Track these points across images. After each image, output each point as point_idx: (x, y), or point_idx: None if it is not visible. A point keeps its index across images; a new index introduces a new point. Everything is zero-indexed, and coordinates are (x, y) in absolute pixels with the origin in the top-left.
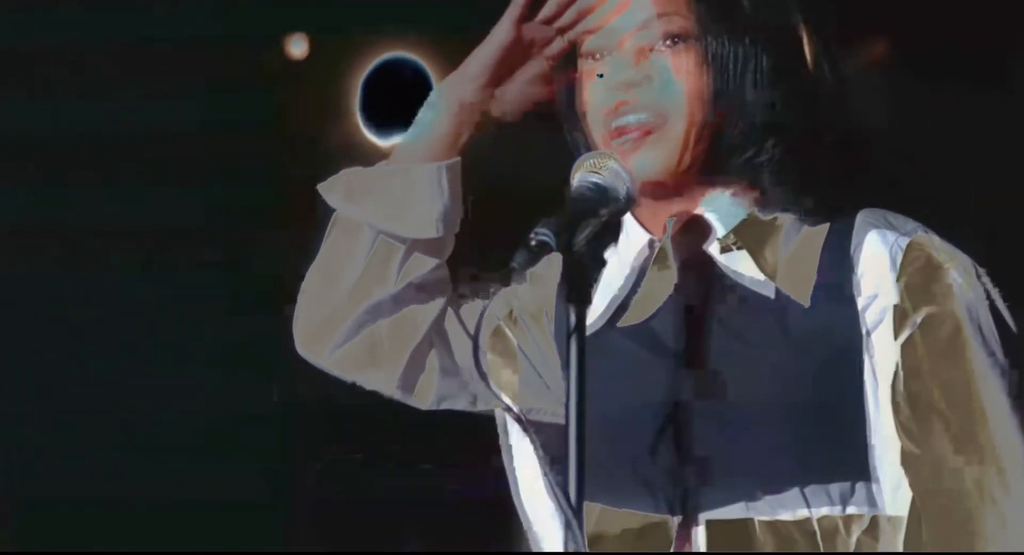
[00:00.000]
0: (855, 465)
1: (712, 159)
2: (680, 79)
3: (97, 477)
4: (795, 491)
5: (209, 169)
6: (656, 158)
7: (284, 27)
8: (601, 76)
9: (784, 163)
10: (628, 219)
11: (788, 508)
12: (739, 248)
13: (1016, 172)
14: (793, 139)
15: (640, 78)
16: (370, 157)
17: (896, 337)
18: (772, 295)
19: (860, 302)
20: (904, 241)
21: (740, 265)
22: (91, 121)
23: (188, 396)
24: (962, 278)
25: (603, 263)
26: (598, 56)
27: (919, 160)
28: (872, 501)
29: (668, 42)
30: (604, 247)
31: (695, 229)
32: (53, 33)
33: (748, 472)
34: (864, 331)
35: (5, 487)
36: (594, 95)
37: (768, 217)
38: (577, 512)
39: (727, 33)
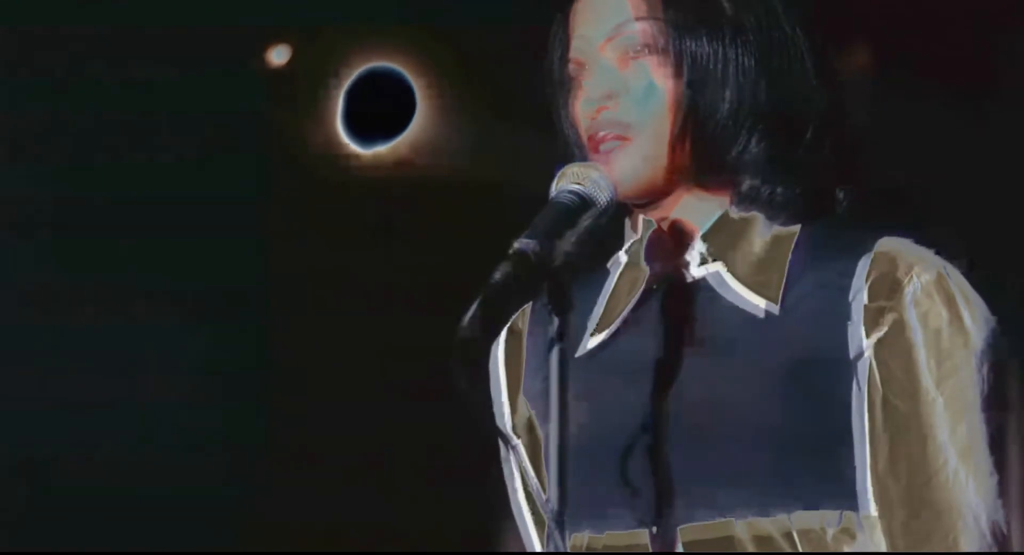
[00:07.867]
0: (843, 491)
1: (696, 164)
2: (660, 85)
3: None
4: (780, 515)
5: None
6: (637, 166)
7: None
8: (584, 84)
9: (767, 165)
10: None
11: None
12: (714, 259)
13: (1007, 174)
14: (775, 140)
15: (620, 87)
16: (351, 161)
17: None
18: (751, 308)
19: (862, 327)
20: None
21: (722, 277)
22: (75, 115)
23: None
24: (921, 285)
25: (606, 272)
26: (583, 62)
27: (904, 162)
28: (860, 526)
29: (645, 48)
30: (607, 257)
31: (677, 237)
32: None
33: (731, 493)
34: (862, 358)
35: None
36: (578, 103)
37: (739, 216)
38: (559, 523)
39: (704, 36)
